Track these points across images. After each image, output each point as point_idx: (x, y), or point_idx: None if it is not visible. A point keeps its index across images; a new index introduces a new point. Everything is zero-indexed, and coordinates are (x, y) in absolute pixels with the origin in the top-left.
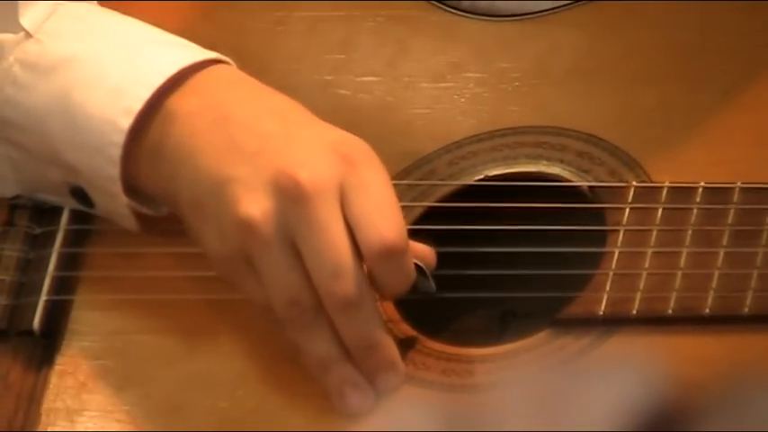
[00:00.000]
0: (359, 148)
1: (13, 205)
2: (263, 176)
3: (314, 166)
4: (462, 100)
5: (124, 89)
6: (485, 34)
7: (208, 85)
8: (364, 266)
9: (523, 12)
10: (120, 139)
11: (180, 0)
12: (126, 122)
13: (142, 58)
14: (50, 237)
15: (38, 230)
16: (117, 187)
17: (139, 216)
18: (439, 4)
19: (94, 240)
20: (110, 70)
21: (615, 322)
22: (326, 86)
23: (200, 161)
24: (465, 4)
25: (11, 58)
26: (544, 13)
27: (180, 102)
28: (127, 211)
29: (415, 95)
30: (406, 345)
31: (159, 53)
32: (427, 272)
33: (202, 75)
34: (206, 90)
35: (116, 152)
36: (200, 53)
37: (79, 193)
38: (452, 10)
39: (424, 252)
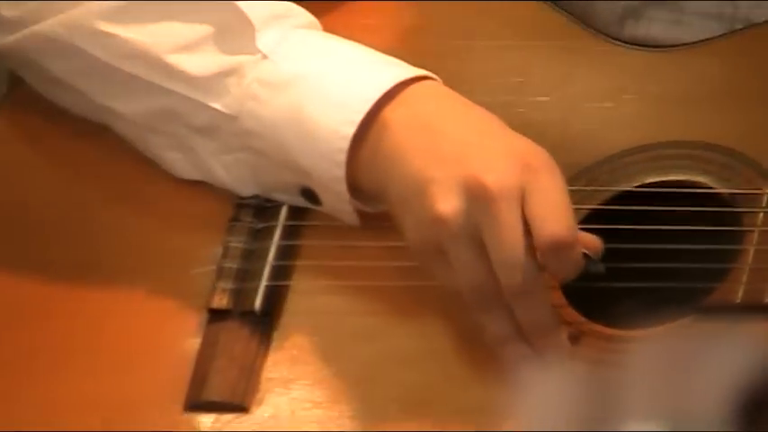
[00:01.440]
0: (541, 157)
1: (239, 204)
2: (457, 179)
3: (500, 173)
4: (621, 119)
5: (347, 103)
6: (642, 62)
7: (417, 98)
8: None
9: (676, 43)
10: (344, 145)
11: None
12: (350, 131)
13: (362, 75)
14: (270, 231)
15: (259, 225)
16: (342, 187)
17: (359, 212)
18: (603, 36)
19: (308, 234)
20: (335, 86)
21: (750, 309)
22: (506, 105)
23: (406, 163)
24: (626, 36)
25: (250, 77)
26: (694, 44)
27: (393, 112)
28: (350, 208)
29: (580, 114)
30: (570, 326)
31: (376, 71)
32: (594, 258)
33: (412, 89)
34: (415, 102)
35: (341, 157)
36: (410, 70)
37: (308, 193)
38: (614, 41)
39: (590, 241)
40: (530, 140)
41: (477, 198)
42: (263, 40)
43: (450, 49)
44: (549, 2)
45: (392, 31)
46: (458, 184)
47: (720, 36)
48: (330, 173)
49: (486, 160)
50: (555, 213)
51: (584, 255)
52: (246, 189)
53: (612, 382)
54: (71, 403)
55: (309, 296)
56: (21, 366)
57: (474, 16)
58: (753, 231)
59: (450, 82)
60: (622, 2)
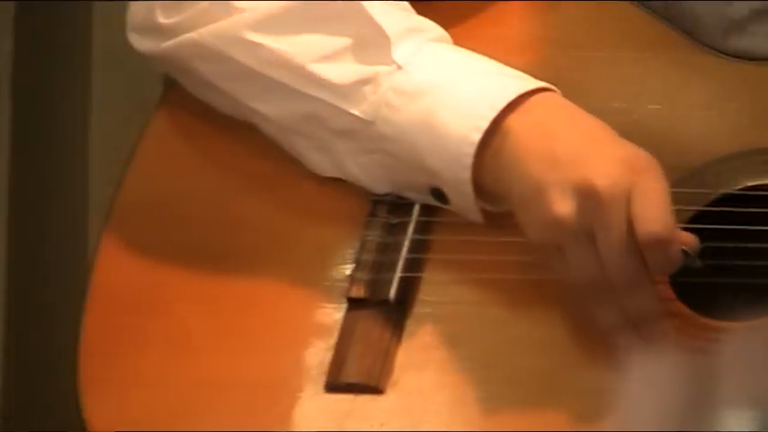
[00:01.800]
0: (647, 161)
1: (375, 201)
2: (572, 183)
3: (610, 176)
4: (726, 125)
5: (474, 111)
6: (745, 73)
7: (537, 108)
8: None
9: None
10: (471, 150)
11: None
12: (476, 137)
13: (488, 86)
14: (404, 226)
15: (394, 221)
16: (469, 188)
17: (483, 211)
18: (710, 49)
19: (439, 229)
20: (463, 96)
21: None
22: (622, 112)
23: (526, 167)
24: (730, 49)
25: (386, 86)
26: None
27: (515, 121)
28: (475, 207)
29: (689, 121)
30: (677, 317)
31: (501, 83)
32: (691, 254)
33: (533, 100)
34: (535, 112)
35: (468, 161)
36: (532, 82)
37: (437, 193)
38: (719, 53)
39: (687, 239)
40: (636, 146)
41: (589, 200)
42: (399, 52)
43: (571, 58)
44: (660, 17)
45: (516, 43)
46: (572, 188)
47: None
48: (457, 175)
49: (598, 165)
50: (654, 213)
51: (684, 251)
52: (380, 187)
53: (710, 370)
54: (218, 383)
55: (440, 287)
56: (172, 346)
57: (592, 29)
58: None
59: (570, 89)
60: (727, 17)
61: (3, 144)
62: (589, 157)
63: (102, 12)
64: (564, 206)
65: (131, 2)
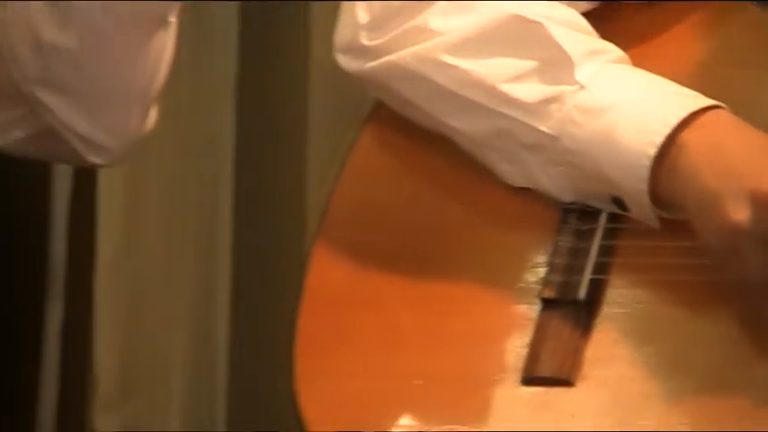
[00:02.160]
0: None
1: (565, 209)
2: (746, 192)
3: None
4: None
5: (650, 128)
6: None
7: (708, 124)
8: None
9: None
10: (647, 163)
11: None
12: (652, 152)
13: (663, 104)
14: (592, 232)
15: (584, 227)
16: (646, 198)
17: (660, 217)
18: None
19: (624, 235)
20: (640, 113)
21: None
22: None
23: (701, 179)
24: None
25: (570, 104)
26: None
27: (688, 136)
28: (652, 215)
29: None
30: None
31: (674, 101)
32: None
33: (705, 116)
34: (707, 127)
35: (645, 173)
36: (703, 100)
37: (618, 202)
38: None
39: None
40: None
41: (765, 207)
42: (581, 73)
43: (739, 77)
44: None
45: (687, 63)
46: (746, 196)
47: None
48: (635, 186)
49: None
50: None
51: None
52: (566, 196)
53: None
54: (426, 377)
55: (625, 288)
56: (384, 343)
57: (758, 49)
58: None
59: (738, 106)
60: None
61: (227, 157)
62: (760, 168)
63: (319, 33)
64: (740, 214)
65: (339, 25)
